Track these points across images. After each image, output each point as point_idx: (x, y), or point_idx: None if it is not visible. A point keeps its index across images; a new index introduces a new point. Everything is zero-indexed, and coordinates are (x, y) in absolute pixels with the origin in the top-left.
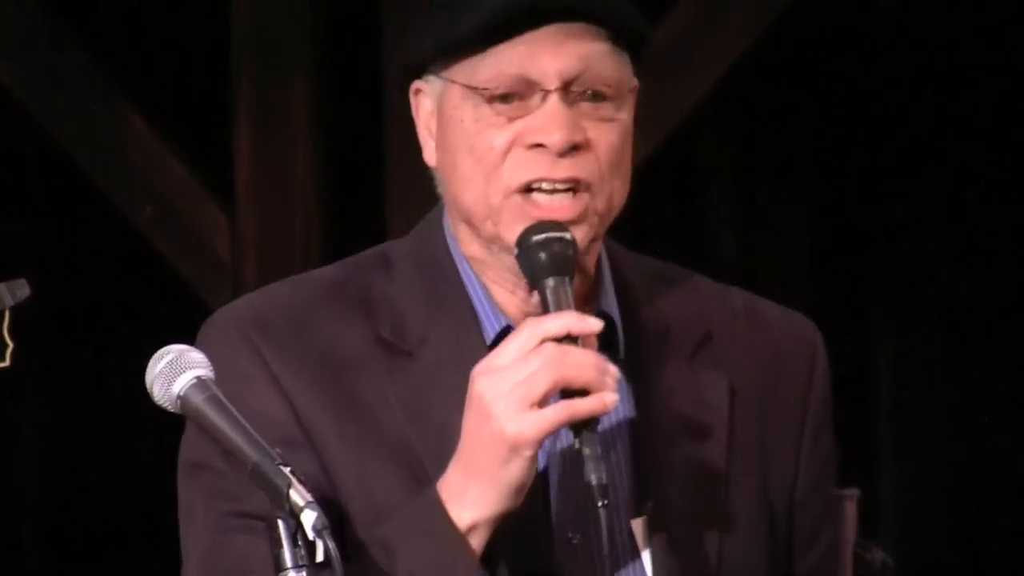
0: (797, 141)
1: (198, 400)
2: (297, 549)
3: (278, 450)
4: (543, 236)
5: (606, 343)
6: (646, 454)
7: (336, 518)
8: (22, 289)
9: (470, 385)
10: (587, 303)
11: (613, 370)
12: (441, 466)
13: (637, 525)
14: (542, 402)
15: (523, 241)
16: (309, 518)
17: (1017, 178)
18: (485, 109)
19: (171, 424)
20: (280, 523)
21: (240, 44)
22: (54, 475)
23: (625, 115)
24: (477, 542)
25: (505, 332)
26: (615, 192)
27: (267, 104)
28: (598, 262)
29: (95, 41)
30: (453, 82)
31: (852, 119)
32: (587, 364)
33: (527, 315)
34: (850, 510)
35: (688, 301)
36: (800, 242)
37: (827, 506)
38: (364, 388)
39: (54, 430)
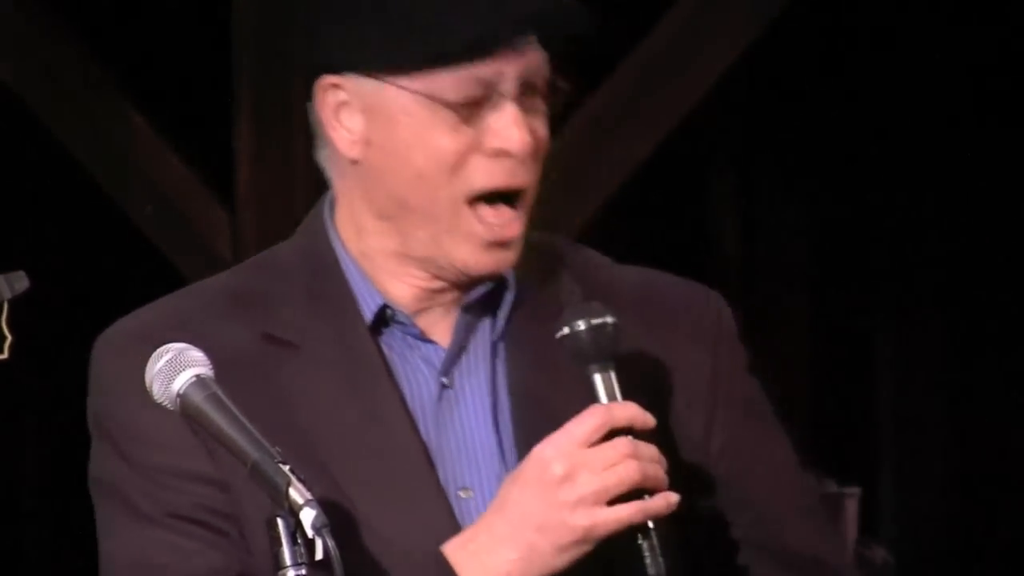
0: (797, 141)
1: (198, 398)
2: (296, 547)
3: (278, 449)
4: (592, 322)
5: (489, 311)
6: (526, 415)
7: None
8: (20, 281)
9: (534, 458)
10: (471, 285)
11: (665, 462)
12: (333, 450)
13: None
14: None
15: (570, 325)
16: (308, 516)
17: (1019, 177)
18: (440, 111)
19: None
20: (279, 521)
21: (241, 42)
22: (53, 471)
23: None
24: None
25: (382, 311)
26: (536, 186)
27: (268, 102)
28: None
29: (96, 39)
30: (402, 88)
31: (852, 119)
32: (655, 460)
33: (415, 296)
34: (851, 508)
35: (574, 274)
36: (800, 242)
37: (761, 452)
38: (255, 384)
39: (53, 426)
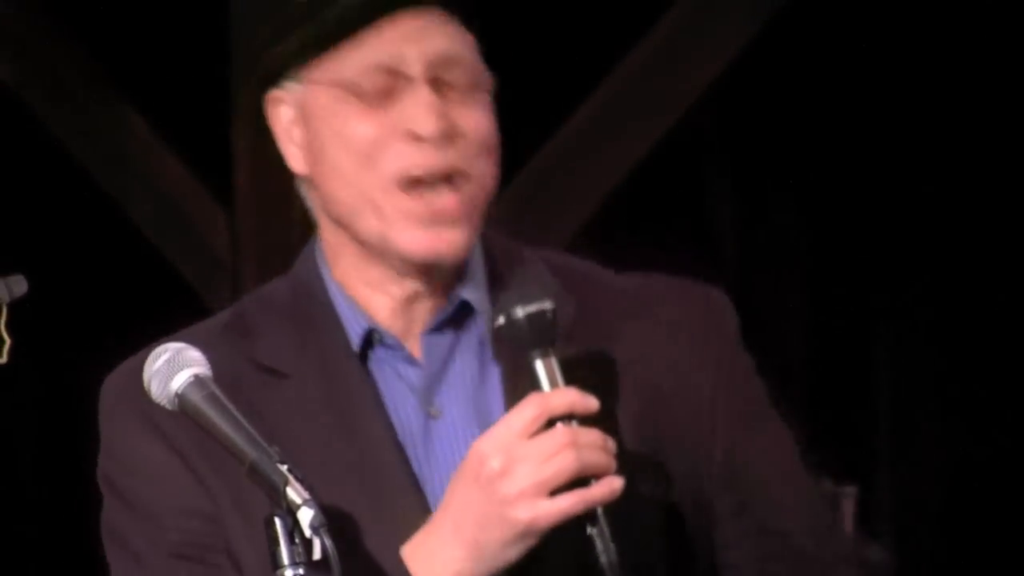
0: (796, 140)
1: (196, 398)
2: (294, 547)
3: (276, 448)
4: (530, 310)
5: (471, 332)
6: None
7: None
8: (19, 285)
9: (473, 454)
10: (446, 292)
11: (612, 445)
12: (321, 482)
13: None
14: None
15: (508, 313)
16: (306, 516)
17: (1019, 178)
18: (354, 102)
19: None
20: (277, 521)
21: (239, 43)
22: (52, 472)
23: (487, 99)
24: None
25: (368, 334)
26: (488, 178)
27: None
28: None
29: (95, 40)
30: (317, 83)
31: (852, 118)
32: (598, 447)
33: (394, 311)
34: (848, 507)
35: (564, 283)
36: (800, 242)
37: (764, 459)
38: (243, 412)
39: (52, 427)
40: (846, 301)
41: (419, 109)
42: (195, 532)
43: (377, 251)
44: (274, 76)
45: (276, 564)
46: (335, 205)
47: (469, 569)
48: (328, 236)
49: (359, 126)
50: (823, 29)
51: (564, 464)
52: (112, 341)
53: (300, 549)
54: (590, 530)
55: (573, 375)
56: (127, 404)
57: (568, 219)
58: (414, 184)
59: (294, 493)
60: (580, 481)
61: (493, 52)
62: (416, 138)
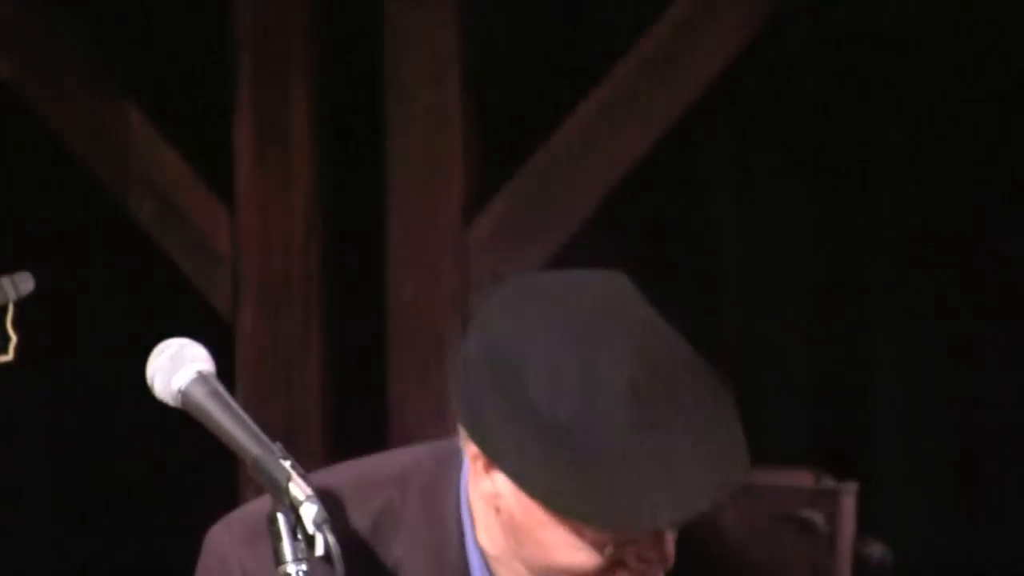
0: (797, 138)
1: (199, 395)
2: (297, 543)
3: (279, 444)
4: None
5: None
6: None
7: None
8: (26, 283)
9: None
10: None
11: None
12: None
13: None
14: None
15: None
16: (309, 512)
17: (1019, 174)
18: (586, 543)
19: (171, 418)
20: (280, 517)
21: (240, 39)
22: (55, 469)
23: None
24: None
25: None
26: None
27: (267, 99)
28: None
29: (96, 36)
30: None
31: (853, 115)
32: None
33: None
34: (848, 504)
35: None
36: (800, 240)
37: None
38: None
39: (55, 424)
40: (847, 299)
41: (662, 545)
42: None
43: None
44: (495, 458)
45: (279, 560)
46: (523, 561)
47: None
48: (491, 532)
49: (588, 557)
50: (825, 26)
51: None
52: (113, 338)
53: (303, 545)
54: None
55: None
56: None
57: (568, 217)
58: None
59: (297, 489)
60: None
61: (494, 48)
62: (648, 564)
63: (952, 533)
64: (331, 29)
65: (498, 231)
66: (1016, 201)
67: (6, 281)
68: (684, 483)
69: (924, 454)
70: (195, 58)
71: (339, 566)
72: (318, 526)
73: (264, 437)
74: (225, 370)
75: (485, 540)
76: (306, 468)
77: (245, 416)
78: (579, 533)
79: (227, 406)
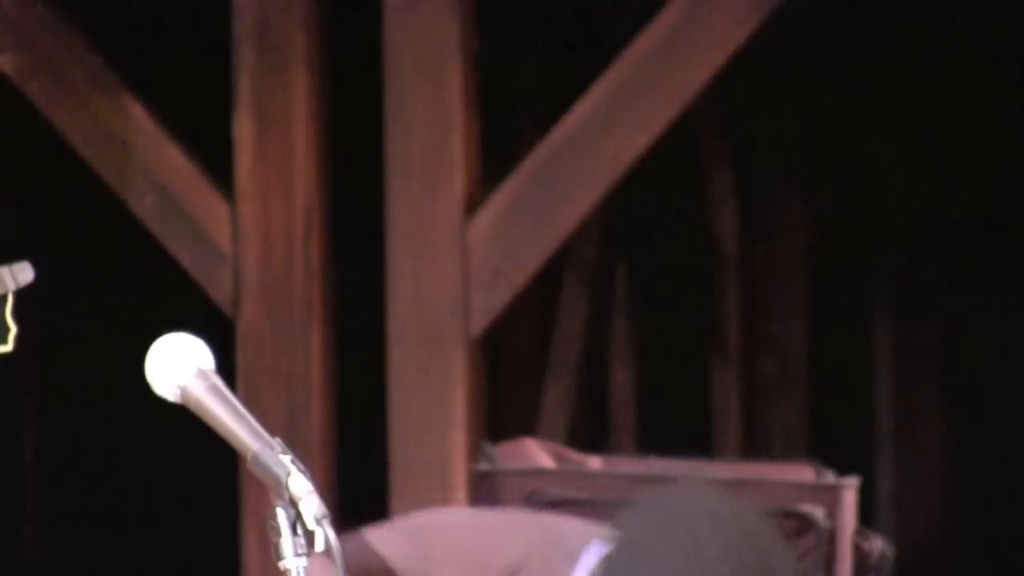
0: (796, 135)
1: (199, 390)
2: (297, 538)
3: (278, 439)
4: None
5: None
6: None
7: None
8: (24, 272)
9: None
10: None
11: None
12: None
13: None
14: None
15: None
16: (309, 507)
17: (1019, 171)
18: None
19: (172, 414)
20: (280, 512)
21: (241, 33)
22: (56, 460)
23: None
24: None
25: None
26: None
27: (268, 93)
28: None
29: (96, 31)
30: None
31: (853, 112)
32: None
33: None
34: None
35: None
36: (799, 235)
37: None
38: None
39: (56, 417)
40: (848, 295)
41: None
42: None
43: None
44: None
45: (279, 556)
46: None
47: None
48: None
49: None
50: (827, 21)
51: None
52: (114, 332)
53: (303, 540)
54: None
55: None
56: None
57: (569, 213)
58: None
59: (296, 484)
60: None
61: (494, 44)
62: None
63: (952, 528)
64: (332, 18)
65: (498, 226)
66: (1019, 196)
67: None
68: None
69: (925, 449)
70: (196, 53)
71: (339, 561)
72: (318, 521)
73: (264, 432)
74: (225, 365)
75: None
76: (306, 463)
77: (245, 411)
78: None
79: (227, 401)
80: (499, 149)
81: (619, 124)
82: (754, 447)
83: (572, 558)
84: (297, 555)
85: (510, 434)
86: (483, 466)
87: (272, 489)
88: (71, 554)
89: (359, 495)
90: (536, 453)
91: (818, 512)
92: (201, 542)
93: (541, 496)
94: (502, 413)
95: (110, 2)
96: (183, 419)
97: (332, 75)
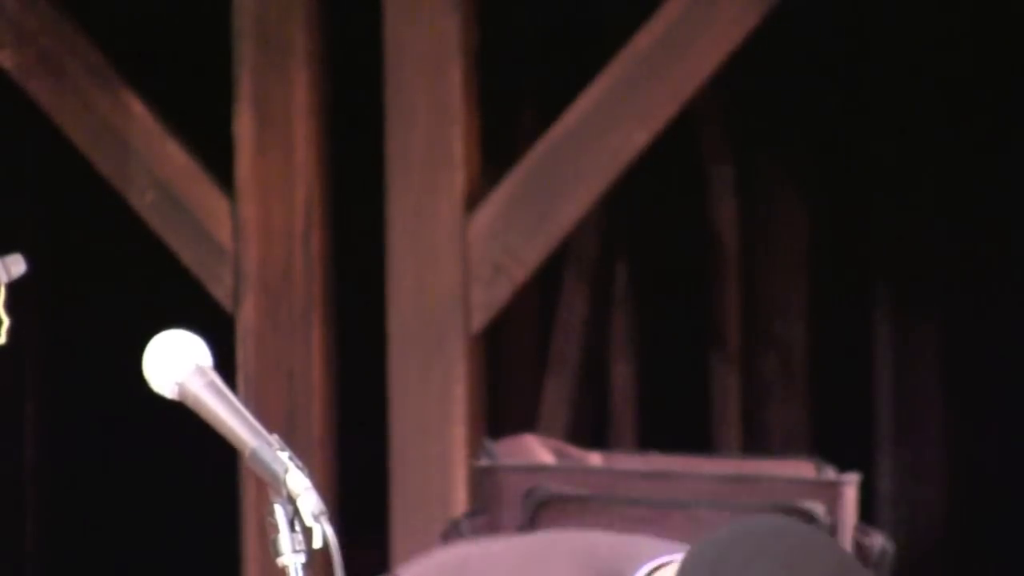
0: (796, 131)
1: (196, 386)
2: (295, 534)
3: (276, 436)
4: None
5: None
6: None
7: None
8: (17, 265)
9: None
10: None
11: None
12: None
13: None
14: None
15: None
16: (307, 503)
17: (1020, 169)
18: None
19: (172, 410)
20: (277, 508)
21: (241, 30)
22: (56, 457)
23: None
24: None
25: None
26: None
27: (268, 90)
28: None
29: (97, 27)
30: None
31: (853, 108)
32: None
33: None
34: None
35: None
36: (801, 233)
37: None
38: None
39: (56, 414)
40: (848, 291)
41: None
42: None
43: None
44: None
45: (277, 552)
46: None
47: None
48: None
49: None
50: (828, 17)
51: None
52: (113, 327)
53: (300, 537)
54: None
55: None
56: None
57: (569, 209)
58: None
59: (294, 481)
60: None
61: (495, 39)
62: None
63: (952, 524)
64: (332, 15)
65: (499, 223)
66: (1019, 193)
67: None
68: None
69: (925, 445)
70: (196, 48)
71: (337, 558)
72: (316, 517)
73: (262, 428)
74: (226, 361)
75: None
76: (306, 460)
77: (242, 408)
78: None
79: (224, 398)
80: (499, 145)
81: (619, 120)
82: (754, 444)
83: None
84: (295, 551)
85: (510, 430)
86: (483, 462)
87: (270, 486)
88: (72, 552)
89: (359, 491)
90: (536, 449)
91: (819, 508)
92: (201, 539)
93: (541, 492)
94: (502, 409)
95: None
96: (182, 417)
97: (332, 71)
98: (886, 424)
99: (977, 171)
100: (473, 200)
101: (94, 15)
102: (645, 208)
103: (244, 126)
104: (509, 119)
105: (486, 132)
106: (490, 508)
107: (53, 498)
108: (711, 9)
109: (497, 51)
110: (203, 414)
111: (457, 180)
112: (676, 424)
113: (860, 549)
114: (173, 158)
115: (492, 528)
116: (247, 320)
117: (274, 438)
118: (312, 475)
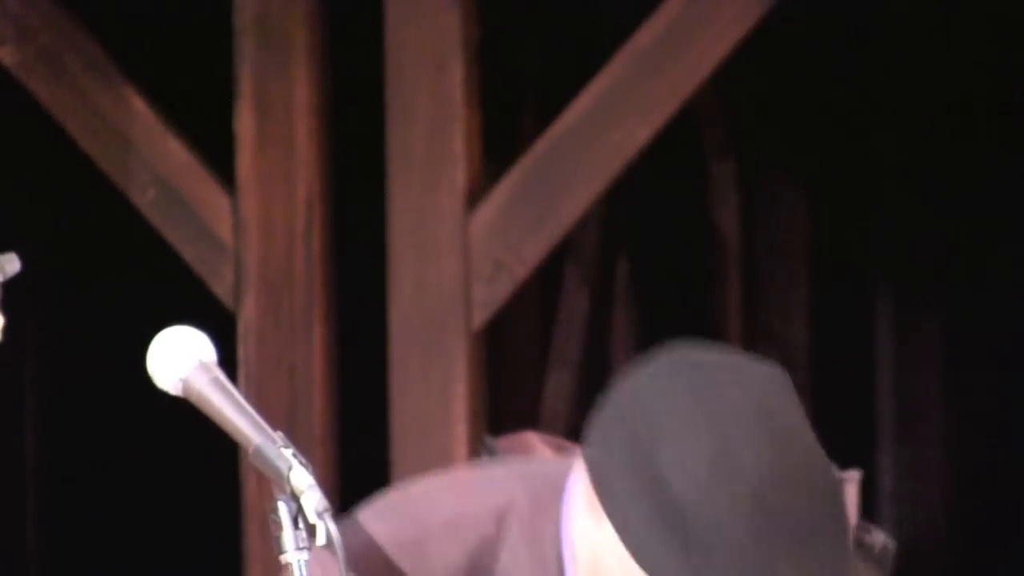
0: (798, 127)
1: (200, 383)
2: (298, 532)
3: (280, 433)
4: None
5: None
6: None
7: None
8: (11, 264)
9: None
10: None
11: None
12: None
13: None
14: None
15: None
16: (310, 500)
17: (1019, 166)
18: None
19: (173, 406)
20: (281, 506)
21: (242, 26)
22: (57, 454)
23: None
24: None
25: None
26: None
27: (269, 86)
28: None
29: (97, 23)
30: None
31: (853, 105)
32: None
33: None
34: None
35: None
36: (802, 231)
37: None
38: None
39: (57, 411)
40: (850, 290)
41: None
42: None
43: None
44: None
45: (280, 549)
46: None
47: None
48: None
49: None
50: (826, 15)
51: None
52: (114, 324)
53: (304, 534)
54: None
55: None
56: None
57: (570, 206)
58: None
59: (298, 478)
60: None
61: (496, 36)
62: None
63: (954, 521)
64: (333, 15)
65: (500, 220)
66: (1019, 191)
67: None
68: None
69: (927, 443)
70: (197, 45)
71: (341, 555)
72: (319, 514)
73: (266, 425)
74: (227, 358)
75: None
76: (307, 457)
77: (246, 404)
78: None
79: (228, 394)
80: (500, 142)
81: (620, 117)
82: None
83: (559, 489)
84: (298, 549)
85: (511, 427)
86: (484, 459)
87: (274, 483)
88: (73, 549)
89: (360, 488)
90: (537, 446)
91: None
92: (203, 536)
93: None
94: (503, 406)
95: None
96: (185, 413)
97: (333, 68)
98: (887, 422)
99: (978, 171)
100: (474, 197)
101: (95, 11)
102: (646, 205)
103: (245, 123)
104: (510, 116)
105: (487, 129)
106: None
107: (54, 493)
108: (712, 6)
109: (498, 48)
110: (207, 410)
111: (458, 177)
112: None
113: (862, 546)
114: (174, 155)
115: None
116: (248, 317)
117: (278, 435)
118: (313, 472)
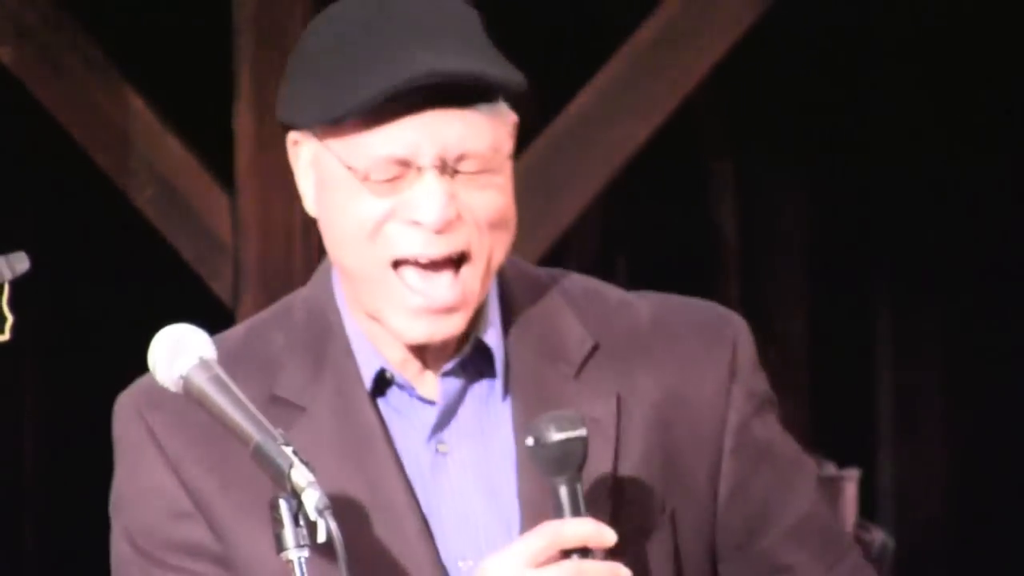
0: (796, 126)
1: (200, 380)
2: (299, 529)
3: (280, 430)
4: (562, 436)
5: (483, 372)
6: (527, 477)
7: None
8: (21, 263)
9: (480, 574)
10: (467, 337)
11: (625, 573)
12: (332, 507)
13: None
14: None
15: (539, 435)
16: (311, 498)
17: (1019, 164)
18: (362, 184)
19: None
20: (282, 503)
21: (241, 24)
22: (56, 454)
23: (503, 177)
24: None
25: (380, 376)
26: (495, 250)
27: (268, 85)
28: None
29: (96, 22)
30: (331, 152)
31: (852, 104)
32: None
33: (406, 355)
34: (850, 491)
35: (582, 316)
36: (800, 226)
37: (775, 493)
38: None
39: (56, 411)
40: (849, 287)
41: (424, 198)
42: (195, 571)
43: (375, 317)
44: (294, 123)
45: (281, 546)
46: (338, 263)
47: None
48: (341, 276)
49: (363, 205)
50: (823, 15)
51: None
52: (113, 323)
53: (304, 531)
54: None
55: (585, 413)
56: (136, 435)
57: (569, 204)
58: (413, 267)
59: (299, 475)
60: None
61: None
62: (417, 224)
63: (952, 519)
64: None
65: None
66: (1019, 189)
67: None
68: (426, 58)
69: (925, 441)
70: (196, 44)
71: (342, 553)
72: (320, 512)
73: (266, 423)
74: None
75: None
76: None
77: (247, 402)
78: (347, 165)
79: (228, 392)
80: None
81: (619, 116)
82: None
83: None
84: (299, 546)
85: None
86: None
87: (274, 480)
88: (71, 549)
89: None
90: None
91: None
92: None
93: None
94: None
95: None
96: None
97: None
98: (886, 420)
99: (978, 170)
100: None
101: (93, 11)
102: (645, 203)
103: (244, 121)
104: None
105: None
106: None
107: (53, 494)
108: (711, 6)
109: (497, 46)
110: (207, 407)
111: None
112: None
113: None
114: (173, 153)
115: None
116: (246, 315)
117: (278, 432)
118: (313, 469)
